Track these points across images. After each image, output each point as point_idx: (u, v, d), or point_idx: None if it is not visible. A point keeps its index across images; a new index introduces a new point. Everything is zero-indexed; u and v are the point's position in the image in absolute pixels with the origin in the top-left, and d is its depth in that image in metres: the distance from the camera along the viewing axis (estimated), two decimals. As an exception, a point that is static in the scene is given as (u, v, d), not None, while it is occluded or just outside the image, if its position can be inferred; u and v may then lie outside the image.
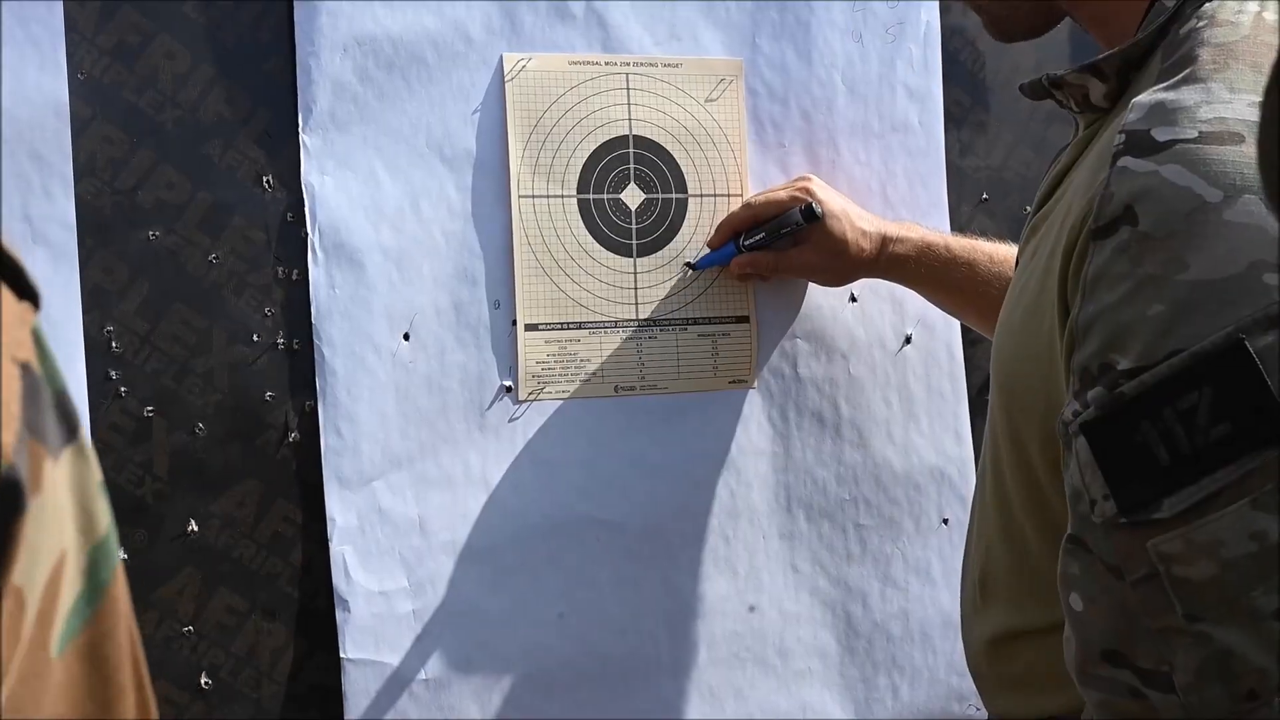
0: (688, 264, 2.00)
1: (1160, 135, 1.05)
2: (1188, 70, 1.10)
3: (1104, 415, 1.05)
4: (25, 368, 0.63)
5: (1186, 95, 1.07)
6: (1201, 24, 1.15)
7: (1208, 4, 1.18)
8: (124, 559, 1.79)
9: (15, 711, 0.61)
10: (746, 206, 1.96)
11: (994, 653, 1.41)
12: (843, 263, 1.97)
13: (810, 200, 1.92)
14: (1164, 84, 1.11)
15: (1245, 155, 0.99)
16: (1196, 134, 1.03)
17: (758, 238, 1.97)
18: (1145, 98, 1.11)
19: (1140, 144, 1.06)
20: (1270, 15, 1.12)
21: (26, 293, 0.66)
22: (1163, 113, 1.07)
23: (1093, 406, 1.06)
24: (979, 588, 1.45)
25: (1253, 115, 1.00)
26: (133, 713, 0.69)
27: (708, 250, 2.01)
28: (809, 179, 2.00)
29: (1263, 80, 1.03)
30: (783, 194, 1.96)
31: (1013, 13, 1.49)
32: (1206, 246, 1.00)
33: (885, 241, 1.97)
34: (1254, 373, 0.97)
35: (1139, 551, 1.03)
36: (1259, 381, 0.97)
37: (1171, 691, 1.02)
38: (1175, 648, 1.02)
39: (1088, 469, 1.06)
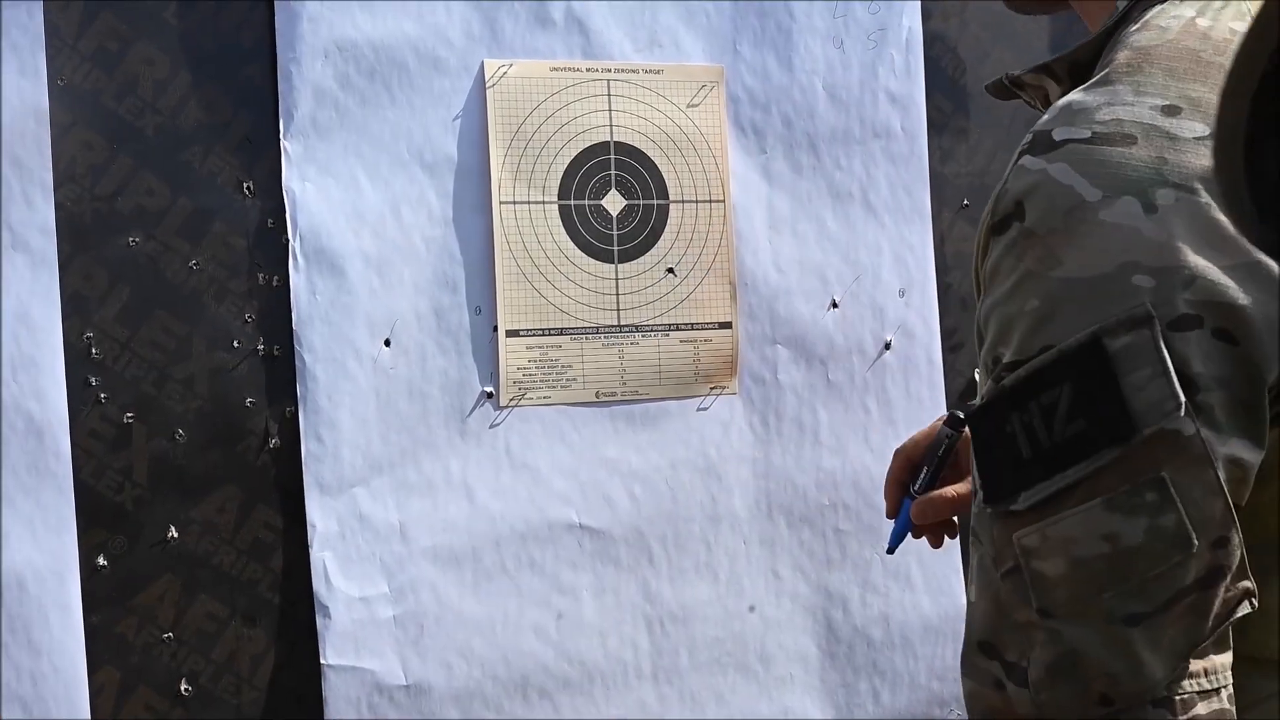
0: (889, 551, 1.93)
1: (1058, 135, 1.03)
2: (1104, 73, 1.10)
3: (983, 407, 1.05)
4: None
5: (1093, 97, 1.06)
6: (1134, 28, 1.15)
7: (1152, 8, 1.17)
8: (104, 566, 1.79)
9: None
10: (897, 454, 1.87)
11: None
12: None
13: (950, 413, 1.87)
14: (1083, 86, 1.12)
15: (1134, 157, 0.98)
16: (1090, 134, 1.02)
17: (924, 477, 1.89)
18: (1060, 99, 1.11)
19: (1040, 143, 1.04)
20: (1205, 21, 1.12)
21: None
22: (1068, 114, 1.05)
23: (981, 398, 1.07)
24: None
25: (1152, 118, 1.00)
26: None
27: (890, 523, 1.93)
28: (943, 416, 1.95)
29: (1174, 85, 1.03)
30: (924, 429, 1.90)
31: None
32: (1080, 244, 0.99)
33: None
34: (1108, 372, 0.97)
35: (1007, 543, 1.03)
36: (1112, 381, 0.97)
37: (1025, 685, 1.02)
38: (1033, 643, 1.02)
39: (973, 460, 1.07)
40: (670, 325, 2.04)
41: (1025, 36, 2.27)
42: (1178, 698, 0.98)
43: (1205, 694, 0.99)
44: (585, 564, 1.99)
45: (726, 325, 2.06)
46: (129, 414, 1.80)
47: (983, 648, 1.06)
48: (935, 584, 2.16)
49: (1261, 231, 0.61)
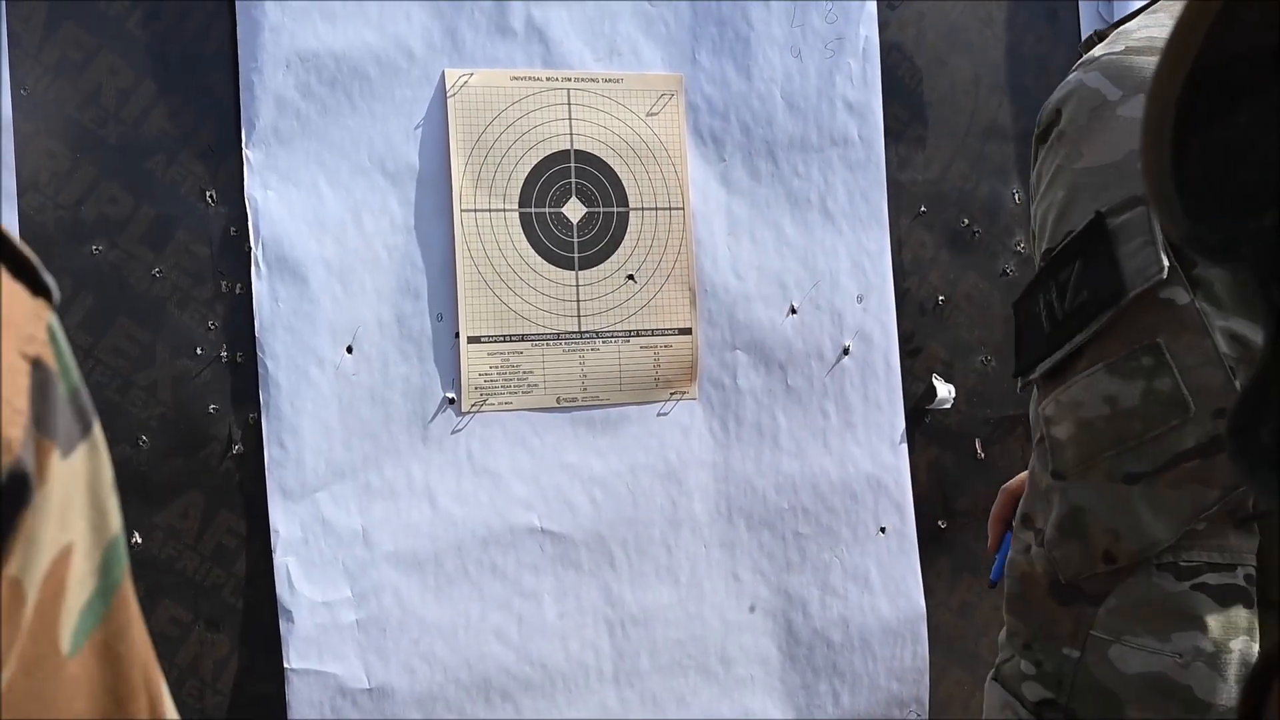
0: (991, 584, 1.92)
1: (1098, 53, 1.14)
2: (1156, 3, 1.18)
3: (1022, 294, 1.15)
4: (36, 363, 0.63)
5: (1136, 22, 1.16)
6: None
7: None
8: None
9: (17, 704, 0.61)
10: (1002, 492, 1.89)
11: None
12: None
13: None
14: (1135, 14, 1.20)
15: (1152, 65, 1.06)
16: (1124, 48, 1.11)
17: None
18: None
19: (1083, 62, 1.15)
20: None
21: (41, 290, 0.66)
22: (1113, 38, 1.16)
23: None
24: None
25: (1161, 35, 1.09)
26: (145, 712, 0.69)
27: (994, 558, 1.93)
28: None
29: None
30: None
31: None
32: (1098, 138, 1.09)
33: None
34: (1107, 245, 1.05)
35: (1037, 417, 1.12)
36: (1109, 251, 1.05)
37: (1043, 546, 1.10)
38: (1051, 506, 1.10)
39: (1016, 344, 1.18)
40: (630, 331, 2.06)
41: (981, 44, 2.29)
42: (1184, 564, 1.04)
43: (1216, 567, 1.04)
44: (547, 568, 2.01)
45: (686, 331, 2.08)
46: (92, 421, 1.81)
47: (1024, 520, 1.14)
48: (894, 587, 2.18)
49: (1189, 230, 0.63)
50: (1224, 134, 0.62)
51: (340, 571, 1.91)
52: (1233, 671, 1.04)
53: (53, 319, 0.66)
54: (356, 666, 1.91)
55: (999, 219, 2.30)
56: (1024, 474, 1.84)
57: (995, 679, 1.18)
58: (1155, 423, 1.04)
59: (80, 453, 0.66)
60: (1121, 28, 1.18)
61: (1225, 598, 1.04)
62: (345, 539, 1.91)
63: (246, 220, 1.88)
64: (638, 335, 2.06)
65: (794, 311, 2.14)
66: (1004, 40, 2.32)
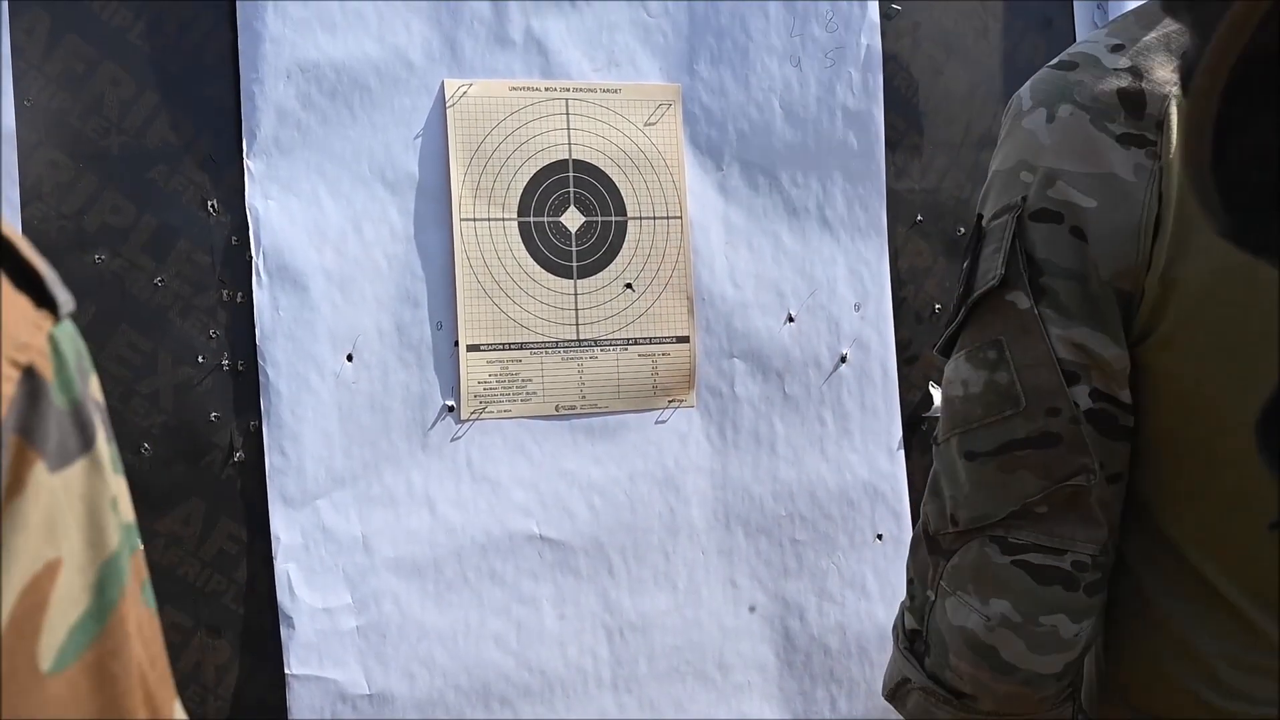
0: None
1: (1048, 63, 1.21)
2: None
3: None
4: (28, 371, 0.63)
5: (1089, 36, 1.23)
6: None
7: None
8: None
9: None
10: None
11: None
12: None
13: None
14: None
15: (1064, 79, 1.16)
16: (1058, 61, 1.19)
17: None
18: None
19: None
20: None
21: (46, 301, 0.66)
22: (1066, 49, 1.24)
23: None
24: None
25: (1098, 52, 1.16)
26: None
27: None
28: None
29: (1134, 29, 1.18)
30: None
31: None
32: (1007, 144, 1.19)
33: None
34: (978, 246, 1.17)
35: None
36: (976, 253, 1.17)
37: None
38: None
39: None
40: (629, 340, 2.07)
41: (977, 54, 2.31)
42: (1011, 540, 1.14)
43: (1043, 549, 1.14)
44: (545, 574, 2.02)
45: (684, 339, 2.10)
46: (95, 428, 1.83)
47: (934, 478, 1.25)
48: (891, 593, 2.19)
49: (1226, 222, 0.65)
50: (1261, 134, 0.63)
51: (340, 578, 1.92)
52: (1046, 644, 1.14)
53: (60, 330, 0.66)
54: (357, 672, 1.92)
55: (995, 228, 2.31)
56: None
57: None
58: (992, 410, 1.14)
59: (78, 468, 0.65)
60: (1082, 40, 1.25)
61: (1044, 577, 1.14)
62: (345, 546, 1.92)
63: (248, 229, 1.89)
64: (636, 343, 2.07)
65: (791, 320, 2.16)
66: (1000, 50, 2.34)
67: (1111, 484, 1.14)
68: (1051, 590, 1.13)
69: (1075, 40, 2.37)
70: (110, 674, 0.65)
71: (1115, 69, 1.13)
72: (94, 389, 0.69)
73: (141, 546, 0.72)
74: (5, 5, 1.78)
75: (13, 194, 1.78)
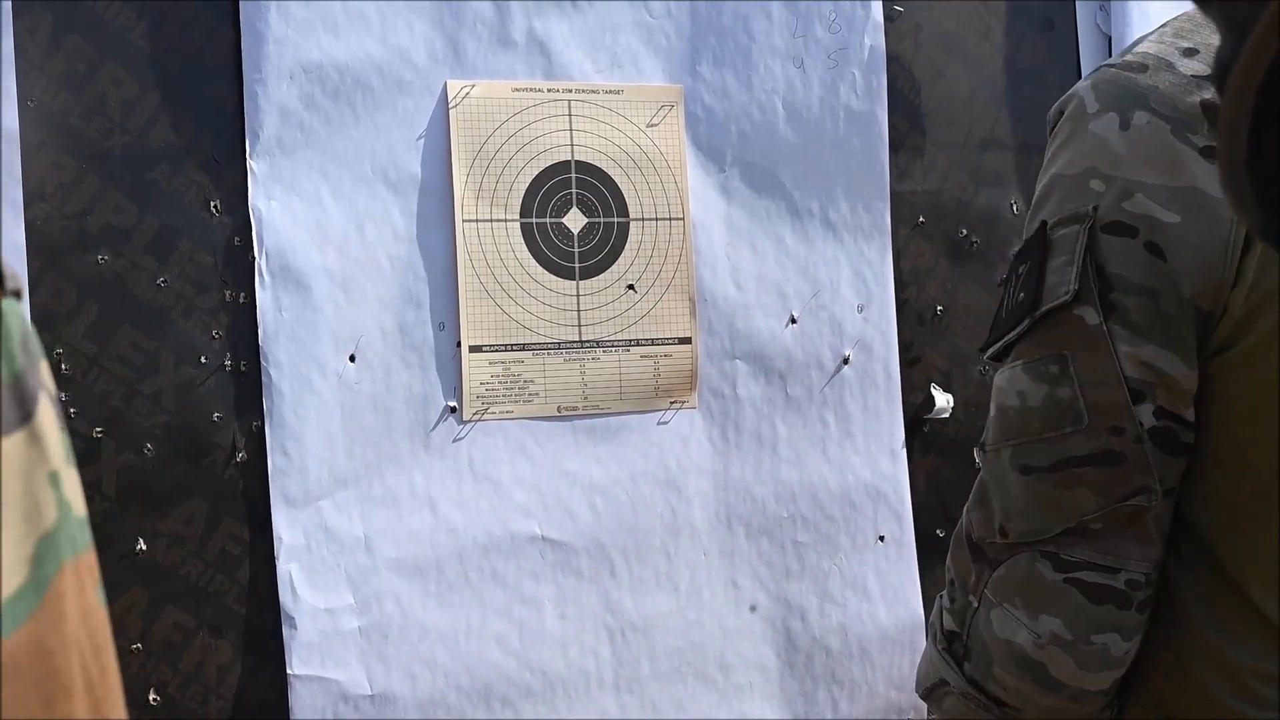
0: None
1: (1106, 63, 1.18)
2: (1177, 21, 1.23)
3: (1003, 275, 1.25)
4: None
5: (1150, 36, 1.19)
6: None
7: None
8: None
9: None
10: None
11: None
12: None
13: None
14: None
15: (1134, 82, 1.12)
16: (1120, 62, 1.16)
17: None
18: None
19: (1095, 69, 1.20)
20: None
21: None
22: (1125, 49, 1.20)
23: None
24: None
25: (1170, 55, 1.12)
26: (84, 713, 0.67)
27: None
28: None
29: (1204, 32, 1.14)
30: None
31: None
32: (1071, 147, 1.15)
33: None
34: (1043, 255, 1.13)
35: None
36: (1042, 262, 1.13)
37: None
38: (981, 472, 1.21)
39: None
40: (631, 341, 2.07)
41: (979, 56, 2.31)
42: (1064, 557, 1.12)
43: (1096, 567, 1.12)
44: (547, 575, 2.03)
45: (686, 340, 2.10)
46: (98, 429, 1.83)
47: (981, 485, 1.22)
48: (892, 594, 2.19)
49: (1262, 220, 0.65)
50: None
51: (342, 578, 1.92)
52: (1096, 662, 1.13)
53: (6, 305, 0.66)
54: (358, 672, 1.92)
55: (997, 229, 2.31)
56: None
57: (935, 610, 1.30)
58: (1051, 425, 1.12)
59: (15, 440, 0.65)
60: (1137, 40, 1.21)
61: (1097, 595, 1.12)
62: (348, 546, 1.93)
63: (250, 230, 1.90)
64: (638, 344, 2.07)
65: (794, 321, 2.16)
66: (1002, 52, 2.34)
67: (1166, 499, 1.11)
68: (1104, 609, 1.12)
69: (1079, 44, 2.37)
70: (47, 649, 0.65)
71: (1194, 76, 1.10)
72: (43, 373, 0.69)
73: (93, 546, 0.71)
74: (8, 5, 1.78)
75: (16, 194, 1.78)
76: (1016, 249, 1.20)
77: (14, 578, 0.64)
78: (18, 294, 0.67)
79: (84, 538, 0.70)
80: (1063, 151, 1.15)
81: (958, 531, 1.23)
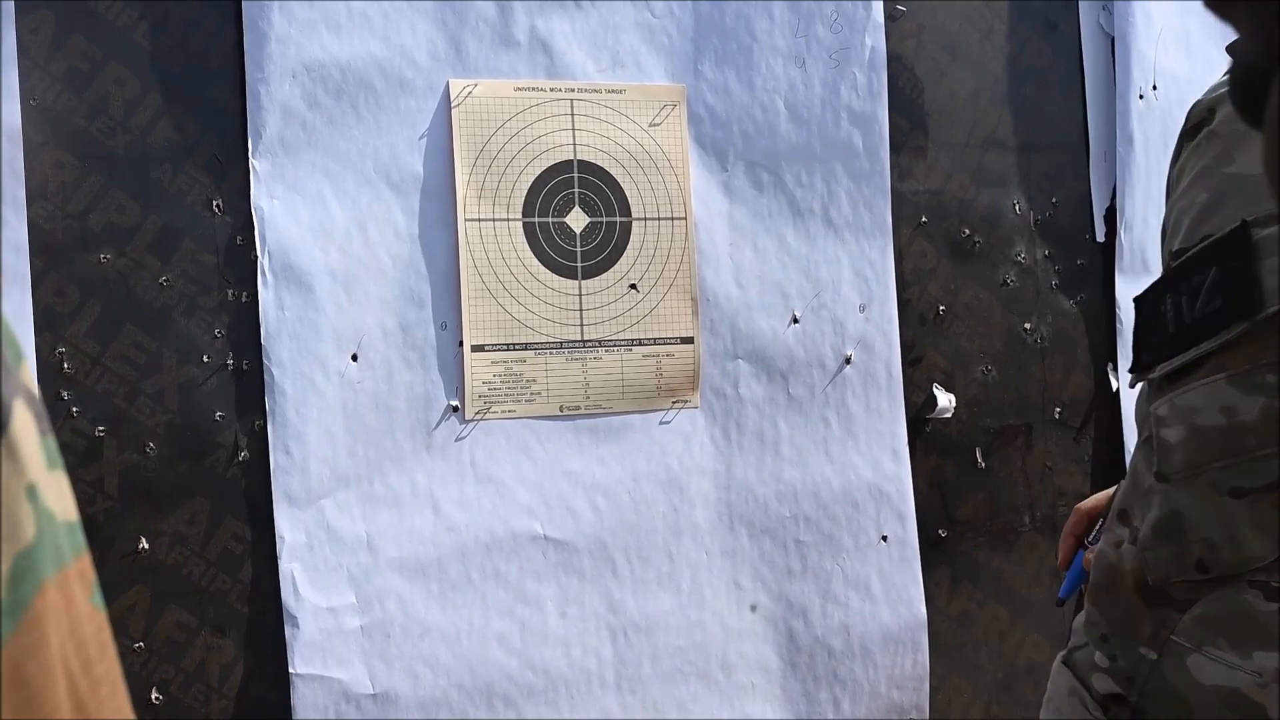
0: (1060, 602, 1.91)
1: None
2: None
3: (1146, 290, 1.11)
4: None
5: None
6: None
7: None
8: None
9: None
10: (1076, 510, 1.82)
11: None
12: None
13: None
14: None
15: None
16: None
17: (1099, 529, 1.90)
18: None
19: None
20: None
21: None
22: None
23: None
24: None
25: None
26: None
27: (1062, 574, 1.91)
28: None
29: None
30: (1107, 490, 1.91)
31: None
32: (1253, 145, 1.04)
33: None
34: (1250, 257, 1.01)
35: (1146, 415, 1.09)
36: (1251, 264, 1.01)
37: (1135, 545, 1.08)
38: (1150, 506, 1.08)
39: (1133, 339, 1.14)
40: (633, 340, 2.07)
41: (981, 56, 2.31)
42: (1277, 584, 1.01)
43: None
44: (549, 575, 2.02)
45: (688, 340, 2.10)
46: (100, 428, 1.83)
47: (1120, 515, 1.12)
48: (895, 595, 2.19)
49: None
50: None
51: (345, 577, 1.92)
52: None
53: None
54: (361, 672, 1.92)
55: (999, 229, 2.31)
56: (1100, 494, 1.82)
57: (1066, 663, 1.17)
58: (1268, 441, 1.01)
59: None
60: None
61: None
62: (350, 545, 1.93)
63: (253, 229, 1.90)
64: (640, 344, 2.07)
65: (796, 321, 2.16)
66: (1004, 52, 2.34)
67: None
68: None
69: (1081, 44, 2.37)
70: (24, 676, 0.61)
71: None
72: (22, 375, 0.64)
73: (88, 550, 0.67)
74: (10, 4, 1.78)
75: (19, 193, 1.78)
76: (1179, 261, 1.08)
77: None
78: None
79: (74, 544, 0.66)
80: (1240, 150, 1.07)
81: (1102, 579, 1.12)
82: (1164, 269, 1.13)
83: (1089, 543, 1.77)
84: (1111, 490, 1.79)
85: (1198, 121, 1.13)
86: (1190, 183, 1.10)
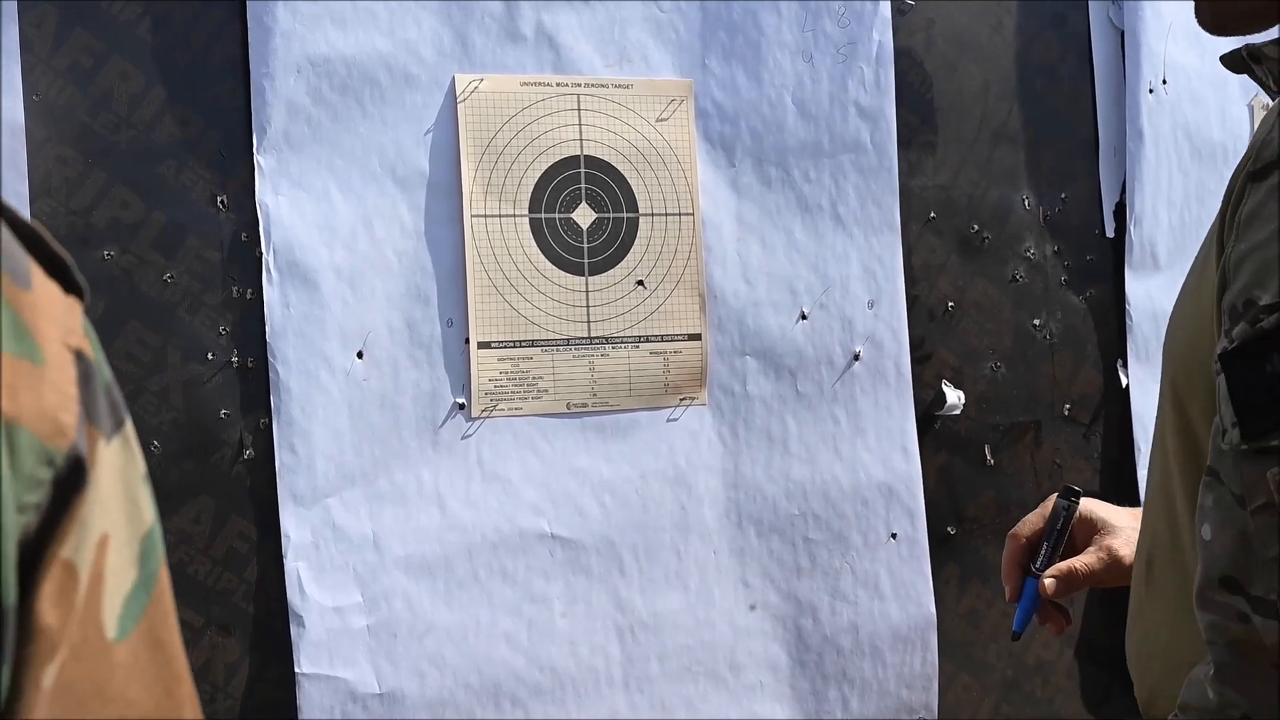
0: (1015, 636, 1.90)
1: None
2: None
3: (1241, 347, 1.06)
4: (79, 354, 0.67)
5: None
6: None
7: None
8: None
9: (70, 686, 0.63)
10: (1010, 538, 1.79)
11: (1155, 646, 1.39)
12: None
13: (1064, 486, 1.87)
14: None
15: None
16: None
17: (1044, 553, 1.90)
18: None
19: None
20: None
21: (73, 288, 0.70)
22: None
23: (1234, 340, 1.08)
24: (1146, 570, 1.42)
25: None
26: (189, 700, 0.72)
27: (1014, 607, 1.89)
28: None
29: None
30: (1035, 511, 1.89)
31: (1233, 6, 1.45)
32: None
33: None
34: None
35: (1260, 480, 1.04)
36: None
37: (1275, 618, 1.03)
38: None
39: (1223, 400, 1.08)
40: (640, 337, 2.06)
41: (991, 51, 2.30)
42: None
43: None
44: (556, 573, 2.02)
45: (696, 337, 2.09)
46: (104, 425, 1.82)
47: (1225, 583, 1.07)
48: (904, 593, 2.18)
49: None
50: None
51: (350, 576, 1.91)
52: None
53: (85, 317, 0.70)
54: (367, 671, 1.91)
55: (1008, 225, 2.30)
56: (1030, 516, 1.80)
57: None
58: None
59: (116, 444, 0.69)
60: None
61: None
62: (356, 544, 1.92)
63: (257, 226, 1.89)
64: (647, 341, 2.07)
65: (804, 317, 2.15)
66: (1014, 47, 2.33)
67: None
68: None
69: (1090, 39, 2.36)
70: (161, 640, 0.69)
71: None
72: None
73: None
74: (13, 1, 1.77)
75: (22, 189, 1.77)
76: (1261, 322, 1.04)
77: (126, 579, 0.68)
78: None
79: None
80: None
81: (1230, 658, 1.08)
82: (1242, 320, 1.07)
83: (1036, 569, 1.76)
84: (1040, 511, 1.77)
85: (1268, 162, 1.08)
86: (1277, 230, 1.05)
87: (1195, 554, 1.14)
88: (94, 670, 0.65)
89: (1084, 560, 1.74)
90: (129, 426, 0.72)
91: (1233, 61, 1.37)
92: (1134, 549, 1.74)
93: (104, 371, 0.70)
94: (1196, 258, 1.28)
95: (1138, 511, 1.82)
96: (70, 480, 0.64)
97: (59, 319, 0.66)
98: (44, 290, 0.67)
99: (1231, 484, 1.08)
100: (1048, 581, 1.71)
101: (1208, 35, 1.33)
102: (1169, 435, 1.35)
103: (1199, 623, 1.12)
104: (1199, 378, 1.23)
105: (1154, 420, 1.37)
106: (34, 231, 0.68)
